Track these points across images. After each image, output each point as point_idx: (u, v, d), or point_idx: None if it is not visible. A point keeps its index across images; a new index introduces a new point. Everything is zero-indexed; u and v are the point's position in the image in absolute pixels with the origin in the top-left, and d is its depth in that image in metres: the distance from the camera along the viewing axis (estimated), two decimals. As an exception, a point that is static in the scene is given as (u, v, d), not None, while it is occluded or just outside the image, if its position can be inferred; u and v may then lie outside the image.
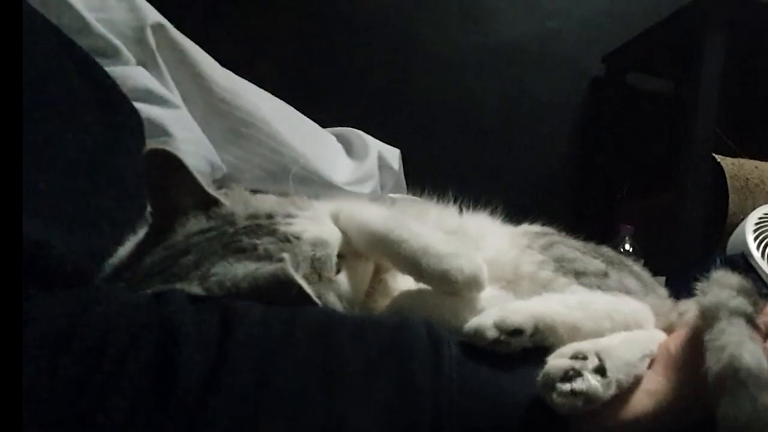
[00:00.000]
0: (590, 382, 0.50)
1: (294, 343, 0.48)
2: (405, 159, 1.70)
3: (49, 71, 0.66)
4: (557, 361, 0.51)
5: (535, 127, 2.38)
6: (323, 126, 1.60)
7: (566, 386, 0.49)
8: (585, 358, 0.51)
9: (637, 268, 0.74)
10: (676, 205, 1.91)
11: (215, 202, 0.58)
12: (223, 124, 1.21)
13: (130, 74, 1.04)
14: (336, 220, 0.63)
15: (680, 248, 1.88)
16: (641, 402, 0.53)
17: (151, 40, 1.07)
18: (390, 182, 1.66)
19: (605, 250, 0.75)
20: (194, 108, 1.16)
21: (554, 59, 2.35)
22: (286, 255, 0.54)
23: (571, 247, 0.70)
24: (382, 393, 0.47)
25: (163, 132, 1.06)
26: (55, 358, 0.41)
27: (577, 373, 0.50)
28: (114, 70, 0.98)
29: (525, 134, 2.36)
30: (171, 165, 0.56)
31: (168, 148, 0.55)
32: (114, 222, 0.61)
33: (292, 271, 0.52)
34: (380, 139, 1.67)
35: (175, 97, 1.11)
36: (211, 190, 0.58)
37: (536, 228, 0.76)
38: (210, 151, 1.16)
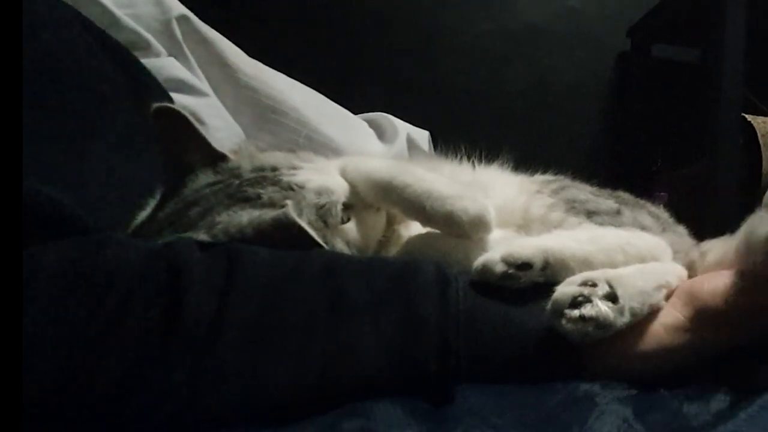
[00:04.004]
0: (600, 307, 0.46)
1: (299, 279, 0.46)
2: (436, 147, 1.67)
3: (86, 62, 0.67)
4: (566, 288, 0.47)
5: (564, 107, 2.31)
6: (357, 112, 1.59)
7: (575, 312, 0.46)
8: (594, 285, 0.48)
9: (655, 209, 0.69)
10: (709, 170, 1.82)
11: (222, 158, 0.57)
12: (253, 112, 1.20)
13: (163, 65, 1.03)
14: (344, 173, 0.61)
15: (717, 213, 1.79)
16: (658, 335, 0.49)
17: (178, 31, 1.07)
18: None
19: (622, 193, 0.71)
20: (224, 97, 1.16)
21: (578, 38, 2.28)
22: (289, 202, 0.53)
23: (583, 190, 0.66)
24: (387, 326, 0.45)
25: (196, 120, 1.06)
26: (60, 299, 0.40)
27: (587, 299, 0.47)
28: (147, 62, 0.99)
29: (554, 115, 2.30)
30: (178, 122, 0.55)
31: (173, 106, 0.54)
32: (142, 194, 0.61)
33: (294, 214, 0.50)
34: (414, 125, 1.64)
35: (203, 85, 1.10)
36: (217, 146, 0.57)
37: (548, 176, 0.73)
38: (241, 138, 1.15)
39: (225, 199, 0.54)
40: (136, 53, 0.97)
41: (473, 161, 0.74)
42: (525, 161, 0.80)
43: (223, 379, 0.42)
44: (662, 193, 1.90)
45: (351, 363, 0.44)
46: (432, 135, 1.66)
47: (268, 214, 0.51)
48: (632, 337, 0.49)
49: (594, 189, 0.69)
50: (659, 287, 0.51)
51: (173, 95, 1.01)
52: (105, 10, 0.97)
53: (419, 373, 0.45)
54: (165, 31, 1.06)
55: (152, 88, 0.87)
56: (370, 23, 2.16)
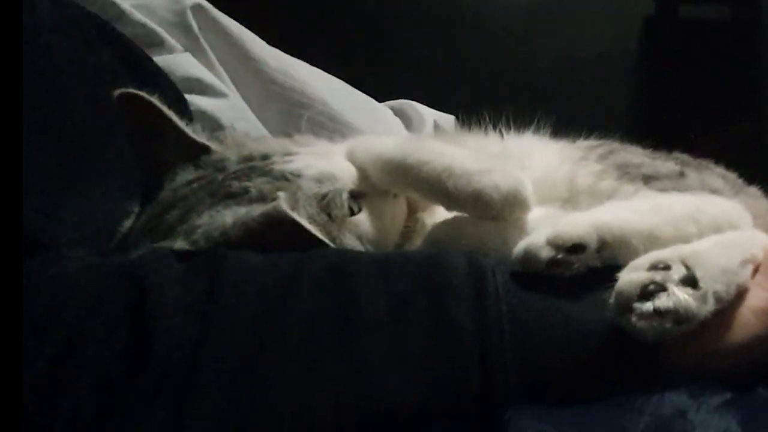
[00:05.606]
0: (678, 296, 0.34)
1: (299, 288, 0.36)
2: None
3: (87, 64, 0.57)
4: (631, 275, 0.35)
5: (592, 79, 2.14)
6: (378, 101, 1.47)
7: (647, 305, 0.34)
8: (668, 267, 0.35)
9: (722, 169, 0.56)
10: (753, 132, 1.66)
11: (205, 150, 0.46)
12: (279, 108, 1.07)
13: (179, 63, 0.89)
14: (351, 156, 0.49)
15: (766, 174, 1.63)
16: (747, 323, 0.37)
17: (193, 23, 0.92)
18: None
19: (680, 154, 0.57)
20: (247, 92, 1.03)
21: (600, 5, 2.11)
22: (281, 193, 0.41)
23: (635, 153, 0.53)
24: (412, 338, 0.34)
25: (217, 125, 0.95)
26: None
27: (660, 287, 0.34)
28: (160, 59, 0.88)
29: (583, 88, 2.13)
30: (148, 111, 0.44)
31: (140, 93, 0.43)
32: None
33: (286, 207, 0.39)
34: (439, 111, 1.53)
35: (224, 82, 0.99)
36: (196, 136, 0.46)
37: (592, 141, 0.60)
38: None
39: (207, 198, 0.42)
40: (148, 50, 0.86)
41: (500, 129, 0.61)
42: (557, 136, 0.69)
43: (209, 425, 0.31)
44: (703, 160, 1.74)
45: (369, 391, 0.33)
46: (460, 118, 1.54)
47: (256, 210, 0.40)
48: (716, 327, 0.36)
49: (648, 151, 0.56)
50: (745, 262, 0.39)
51: (190, 97, 0.89)
52: (109, 1, 0.86)
53: (457, 397, 0.34)
54: (179, 24, 0.91)
55: (164, 90, 0.76)
56: (388, 6, 2.04)
